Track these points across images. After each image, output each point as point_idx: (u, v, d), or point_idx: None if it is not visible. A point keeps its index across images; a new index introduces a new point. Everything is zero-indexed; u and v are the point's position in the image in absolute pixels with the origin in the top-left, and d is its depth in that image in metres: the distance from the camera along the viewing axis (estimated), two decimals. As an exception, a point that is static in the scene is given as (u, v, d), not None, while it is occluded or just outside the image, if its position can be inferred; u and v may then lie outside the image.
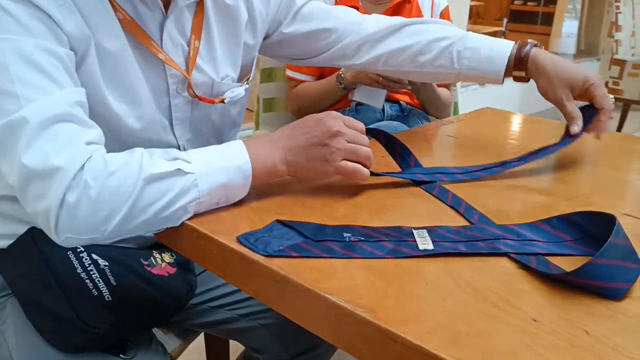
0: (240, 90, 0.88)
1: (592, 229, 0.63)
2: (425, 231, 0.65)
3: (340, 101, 1.51)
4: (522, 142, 1.06)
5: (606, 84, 3.53)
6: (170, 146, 0.81)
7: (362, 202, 0.74)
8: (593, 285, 0.53)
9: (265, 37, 0.97)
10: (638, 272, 0.56)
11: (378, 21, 1.02)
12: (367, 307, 0.50)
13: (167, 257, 0.80)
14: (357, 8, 1.48)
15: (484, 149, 1.00)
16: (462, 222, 0.68)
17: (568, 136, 0.88)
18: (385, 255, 0.60)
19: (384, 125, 1.33)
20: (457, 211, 0.72)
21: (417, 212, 0.72)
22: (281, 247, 0.60)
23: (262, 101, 1.63)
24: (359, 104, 1.50)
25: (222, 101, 0.85)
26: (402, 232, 0.65)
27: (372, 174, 0.76)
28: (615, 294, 0.53)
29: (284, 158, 0.73)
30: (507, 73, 0.95)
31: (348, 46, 1.01)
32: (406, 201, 0.75)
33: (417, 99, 1.56)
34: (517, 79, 0.96)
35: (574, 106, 0.89)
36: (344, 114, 1.45)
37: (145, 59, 0.76)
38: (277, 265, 0.57)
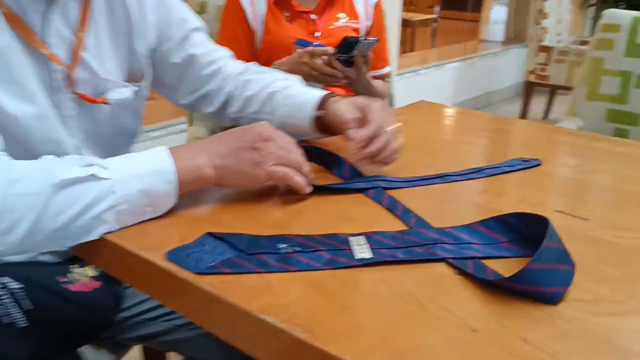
0: (126, 92, 0.81)
1: (526, 230, 0.63)
2: (362, 238, 0.63)
3: (275, 96, 1.47)
4: (456, 137, 1.06)
5: (534, 71, 3.66)
6: (70, 148, 0.76)
7: (298, 208, 0.72)
8: (530, 291, 0.53)
9: (153, 50, 0.91)
10: (572, 274, 0.56)
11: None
12: (303, 326, 0.48)
13: (89, 270, 0.75)
14: (289, 2, 1.45)
15: (423, 148, 1.00)
16: (400, 226, 0.67)
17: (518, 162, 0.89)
18: (322, 267, 0.58)
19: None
20: (394, 214, 0.70)
21: (354, 217, 0.70)
22: (213, 263, 0.57)
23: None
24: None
25: (105, 102, 0.79)
26: (338, 239, 0.63)
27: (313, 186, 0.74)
28: (551, 299, 0.53)
29: (211, 161, 0.69)
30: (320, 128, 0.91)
31: (217, 91, 0.98)
32: (343, 206, 0.73)
33: (352, 92, 1.55)
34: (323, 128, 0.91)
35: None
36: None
37: (32, 53, 0.71)
38: (209, 283, 0.54)
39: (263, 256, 0.59)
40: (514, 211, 0.65)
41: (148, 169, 0.65)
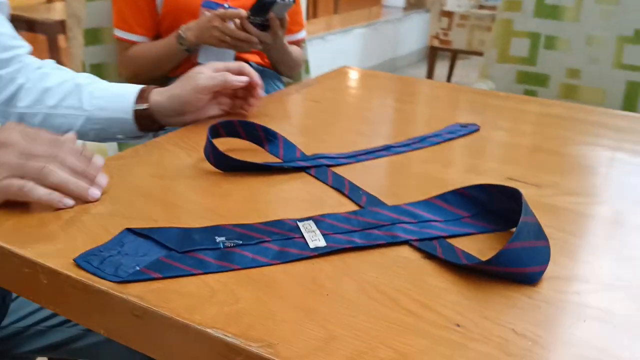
0: None
1: (489, 202, 0.58)
2: (311, 223, 0.55)
3: (184, 64, 1.34)
4: (387, 103, 1.00)
5: (437, 36, 3.69)
6: None
7: (230, 191, 0.62)
8: (511, 273, 0.47)
9: None
10: (549, 251, 0.51)
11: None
12: (261, 340, 0.40)
13: None
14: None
15: (357, 117, 0.92)
16: (350, 206, 0.60)
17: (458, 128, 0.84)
18: (271, 261, 0.49)
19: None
20: (342, 193, 0.62)
21: (297, 197, 0.61)
22: (137, 267, 0.46)
23: (89, 67, 1.40)
24: (204, 66, 1.34)
25: None
26: (285, 226, 0.54)
27: (244, 165, 0.64)
28: (532, 279, 0.48)
29: None
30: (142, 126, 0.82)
31: (8, 80, 0.83)
32: (280, 187, 0.64)
33: (268, 59, 1.44)
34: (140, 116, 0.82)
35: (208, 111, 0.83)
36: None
37: None
38: (135, 294, 0.44)
39: (199, 254, 0.49)
40: (467, 181, 0.59)
41: None
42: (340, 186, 0.64)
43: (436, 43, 3.70)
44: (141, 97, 0.81)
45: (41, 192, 0.55)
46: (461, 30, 3.59)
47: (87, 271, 0.46)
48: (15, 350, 0.78)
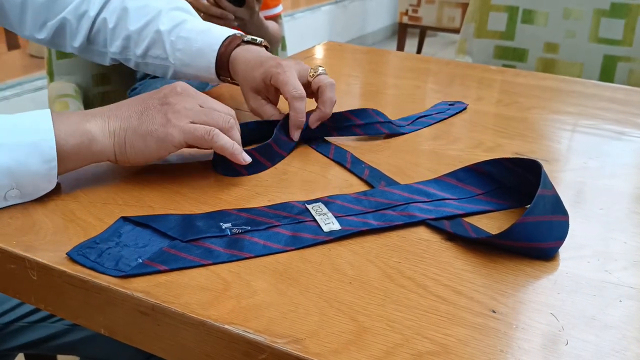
0: None
1: (504, 177, 0.55)
2: (321, 205, 0.51)
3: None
4: (380, 80, 0.96)
5: (406, 12, 3.66)
6: None
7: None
8: (523, 247, 0.45)
9: None
10: (567, 226, 0.49)
11: None
12: (286, 336, 0.36)
13: None
14: None
15: (348, 91, 0.89)
16: (358, 187, 0.56)
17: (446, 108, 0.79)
18: (285, 248, 0.45)
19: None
20: (344, 166, 0.59)
21: (300, 178, 0.57)
22: (139, 260, 0.42)
23: (54, 46, 1.32)
24: (179, 43, 1.28)
25: None
26: (293, 209, 0.50)
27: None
28: (546, 254, 0.46)
29: (105, 125, 0.52)
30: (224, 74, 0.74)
31: (78, 18, 0.77)
32: (283, 167, 0.60)
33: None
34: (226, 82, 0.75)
35: (272, 110, 0.68)
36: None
37: None
38: (141, 289, 0.40)
39: (205, 242, 0.45)
40: (477, 157, 0.56)
41: (16, 138, 0.47)
42: (342, 160, 0.60)
43: (405, 20, 3.67)
44: (221, 65, 0.72)
45: (226, 140, 0.54)
46: (431, 7, 3.56)
47: (85, 266, 0.41)
48: (-6, 348, 0.73)
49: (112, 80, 1.40)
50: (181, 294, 0.39)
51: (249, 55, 0.70)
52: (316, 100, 0.66)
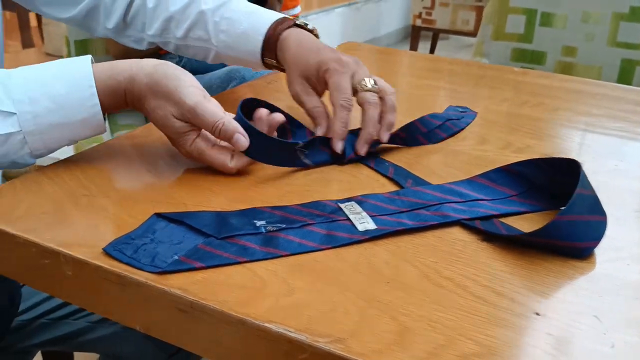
0: None
1: (539, 178, 0.54)
2: (354, 204, 0.50)
3: (176, 41, 1.27)
4: (404, 78, 0.96)
5: (420, 15, 3.65)
6: None
7: (259, 171, 0.57)
8: (557, 246, 0.45)
9: None
10: (604, 226, 0.48)
11: None
12: (328, 335, 0.35)
13: None
14: None
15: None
16: (389, 186, 0.55)
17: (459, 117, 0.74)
18: (320, 246, 0.45)
19: (236, 70, 1.14)
20: (368, 165, 0.59)
21: (332, 177, 0.57)
22: (176, 256, 0.42)
23: (74, 44, 1.32)
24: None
25: None
26: (326, 208, 0.50)
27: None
28: (582, 253, 0.45)
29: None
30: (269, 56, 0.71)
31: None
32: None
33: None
34: (270, 67, 0.72)
35: (315, 101, 0.65)
36: (181, 56, 1.20)
37: None
38: (178, 285, 0.39)
39: (240, 239, 0.44)
40: (507, 158, 0.55)
41: (72, 119, 0.52)
42: (365, 159, 0.59)
43: (419, 22, 3.66)
44: (268, 47, 0.69)
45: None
46: (444, 10, 3.55)
47: (121, 261, 0.41)
48: (20, 344, 0.73)
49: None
50: (218, 292, 0.39)
51: (304, 38, 0.67)
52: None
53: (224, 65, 1.30)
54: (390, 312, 0.38)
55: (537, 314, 0.38)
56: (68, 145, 0.55)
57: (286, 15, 0.71)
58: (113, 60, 0.56)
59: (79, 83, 0.52)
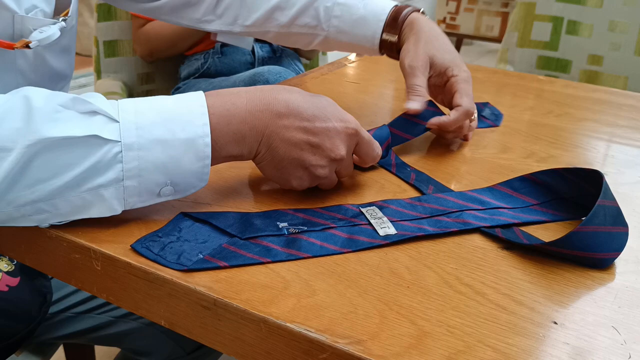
0: (53, 31, 0.57)
1: (562, 188, 0.54)
2: (376, 209, 0.51)
3: (202, 42, 1.29)
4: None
5: (444, 20, 3.64)
6: None
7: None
8: (578, 256, 0.45)
9: None
10: (626, 238, 0.48)
11: None
12: (348, 336, 0.36)
13: (2, 264, 0.58)
14: None
15: (396, 96, 0.89)
16: (410, 192, 0.56)
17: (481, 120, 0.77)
18: (341, 249, 0.45)
19: (267, 70, 1.15)
20: (389, 170, 0.59)
21: (353, 182, 0.58)
22: (200, 255, 0.43)
23: (103, 44, 1.35)
24: (224, 44, 1.30)
25: (27, 45, 0.55)
26: (348, 212, 0.51)
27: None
28: (603, 264, 0.46)
29: (254, 143, 0.49)
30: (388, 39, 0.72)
31: None
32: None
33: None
34: (385, 46, 0.72)
35: (424, 82, 0.66)
36: (206, 57, 1.21)
37: None
38: (203, 283, 0.40)
39: (263, 240, 0.45)
40: (529, 167, 0.56)
41: (171, 134, 0.44)
42: (386, 163, 0.60)
43: (443, 27, 3.65)
44: (392, 24, 0.69)
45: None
46: (469, 15, 3.54)
47: (148, 258, 0.42)
48: (41, 336, 0.75)
49: (156, 79, 1.43)
50: (242, 291, 0.40)
51: (434, 26, 0.69)
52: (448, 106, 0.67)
53: (247, 68, 1.32)
54: (409, 316, 0.38)
55: (556, 323, 0.39)
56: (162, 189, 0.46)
57: (398, 3, 0.72)
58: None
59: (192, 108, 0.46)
